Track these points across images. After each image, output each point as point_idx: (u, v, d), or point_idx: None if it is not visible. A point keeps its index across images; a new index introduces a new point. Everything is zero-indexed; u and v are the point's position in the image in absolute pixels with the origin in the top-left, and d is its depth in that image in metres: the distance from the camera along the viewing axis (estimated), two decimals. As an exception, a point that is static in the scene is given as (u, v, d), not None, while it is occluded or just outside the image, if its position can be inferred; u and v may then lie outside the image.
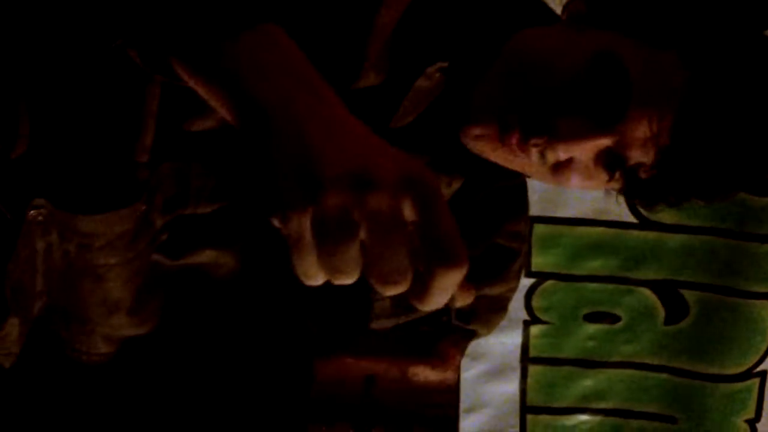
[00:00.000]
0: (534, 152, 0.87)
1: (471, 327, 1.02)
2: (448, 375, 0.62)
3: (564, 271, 1.59)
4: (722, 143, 0.87)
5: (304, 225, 0.54)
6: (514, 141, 0.87)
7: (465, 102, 0.91)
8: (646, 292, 1.59)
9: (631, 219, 1.53)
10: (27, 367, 0.82)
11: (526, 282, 1.58)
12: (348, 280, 0.55)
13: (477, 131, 0.90)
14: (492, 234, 1.02)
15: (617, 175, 0.89)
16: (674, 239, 1.56)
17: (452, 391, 0.61)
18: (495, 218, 1.02)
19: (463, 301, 0.58)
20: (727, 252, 1.55)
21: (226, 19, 0.60)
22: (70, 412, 0.86)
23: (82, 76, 0.74)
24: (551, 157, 0.87)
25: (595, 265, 1.58)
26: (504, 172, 0.95)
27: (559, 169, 0.89)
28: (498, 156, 0.91)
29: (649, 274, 1.58)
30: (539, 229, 1.55)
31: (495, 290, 1.04)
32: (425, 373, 0.62)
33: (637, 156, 0.87)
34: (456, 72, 0.92)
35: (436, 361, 0.64)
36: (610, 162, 0.88)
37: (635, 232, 1.55)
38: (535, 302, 1.61)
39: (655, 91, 0.86)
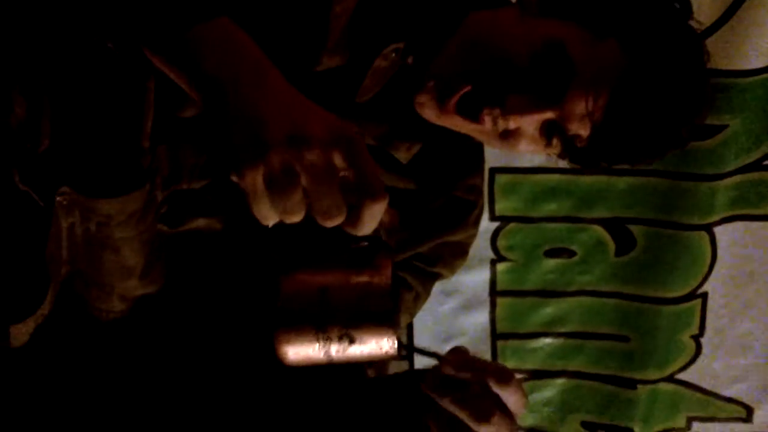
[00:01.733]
0: (487, 120, 0.94)
1: (435, 270, 1.11)
2: (383, 279, 0.70)
3: (524, 214, 1.62)
4: (647, 121, 0.94)
5: (256, 179, 0.62)
6: (451, 105, 0.93)
7: (421, 77, 0.97)
8: (598, 228, 1.63)
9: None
10: (56, 324, 0.86)
11: (491, 225, 1.62)
12: (296, 219, 0.64)
13: (421, 99, 0.97)
14: (451, 188, 1.09)
15: (556, 142, 0.96)
16: (621, 181, 1.59)
17: (388, 290, 0.70)
18: (453, 174, 1.09)
19: (389, 223, 0.68)
20: (668, 190, 1.57)
21: (184, 13, 0.68)
22: (92, 363, 0.90)
23: (90, 74, 0.78)
24: (502, 125, 0.94)
25: (551, 208, 1.62)
26: (459, 136, 1.02)
27: (508, 137, 0.96)
28: (446, 121, 0.97)
29: (600, 213, 1.62)
30: (501, 178, 1.59)
31: (456, 237, 1.10)
32: (366, 280, 0.71)
33: (575, 128, 0.94)
34: (412, 51, 0.97)
35: (373, 270, 0.72)
36: (551, 132, 0.95)
37: (586, 177, 1.59)
38: (500, 243, 1.65)
39: (594, 75, 0.91)
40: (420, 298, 1.13)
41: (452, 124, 0.97)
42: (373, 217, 0.65)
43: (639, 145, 0.96)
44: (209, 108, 0.67)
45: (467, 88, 0.92)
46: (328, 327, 0.69)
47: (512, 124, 0.94)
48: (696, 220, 1.61)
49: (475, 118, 0.94)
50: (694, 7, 1.33)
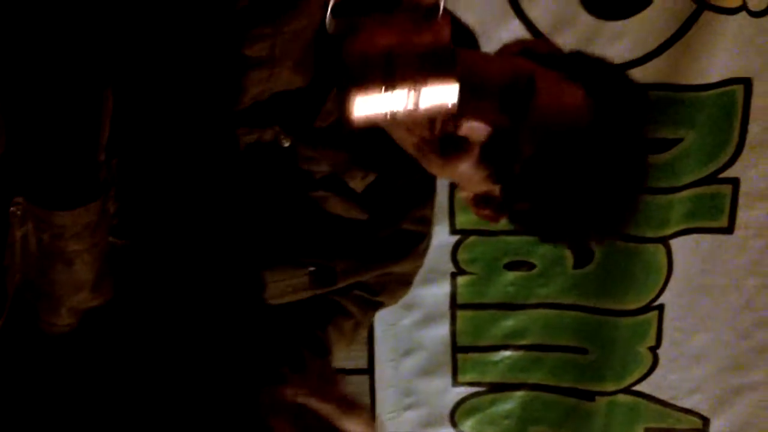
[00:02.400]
0: (438, 124, 0.91)
1: (378, 299, 1.10)
2: (444, 38, 0.76)
3: (484, 228, 1.62)
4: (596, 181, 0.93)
5: None
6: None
7: None
8: None
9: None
10: (5, 335, 0.86)
11: (451, 239, 1.64)
12: None
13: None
14: (400, 219, 1.08)
15: (493, 171, 0.93)
16: None
17: (450, 49, 0.76)
18: (404, 205, 1.08)
19: None
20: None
21: None
22: (41, 374, 0.90)
23: (45, 83, 0.78)
24: (449, 128, 0.91)
25: None
26: (413, 168, 1.01)
27: (451, 152, 0.93)
28: (400, 133, 0.95)
29: None
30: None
31: (401, 268, 1.09)
32: (429, 40, 0.75)
33: (523, 145, 0.92)
34: None
35: (434, 30, 0.76)
36: (497, 156, 0.93)
37: None
38: (461, 256, 1.66)
39: (555, 102, 0.92)
40: (360, 327, 1.12)
41: (405, 136, 0.96)
42: None
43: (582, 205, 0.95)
44: None
45: None
46: (396, 83, 0.72)
47: (463, 130, 0.92)
48: (652, 233, 1.63)
49: None
50: (649, 22, 1.45)
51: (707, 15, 1.49)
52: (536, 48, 1.02)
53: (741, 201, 1.64)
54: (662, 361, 1.76)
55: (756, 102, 1.57)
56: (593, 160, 0.91)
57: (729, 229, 1.66)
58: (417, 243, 1.10)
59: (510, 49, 1.01)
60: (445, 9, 0.75)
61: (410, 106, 0.74)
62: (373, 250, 1.06)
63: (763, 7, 1.50)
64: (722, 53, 1.52)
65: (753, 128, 1.59)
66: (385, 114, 0.75)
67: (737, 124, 1.58)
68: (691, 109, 1.55)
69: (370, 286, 1.09)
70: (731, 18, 1.49)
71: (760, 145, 1.60)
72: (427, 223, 1.12)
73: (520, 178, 0.93)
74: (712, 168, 1.61)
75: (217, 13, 0.86)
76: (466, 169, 0.95)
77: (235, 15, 0.86)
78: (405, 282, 1.12)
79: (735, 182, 1.62)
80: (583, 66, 0.97)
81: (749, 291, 1.70)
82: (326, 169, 1.00)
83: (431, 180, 1.11)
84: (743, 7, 1.49)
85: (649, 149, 1.00)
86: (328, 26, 0.75)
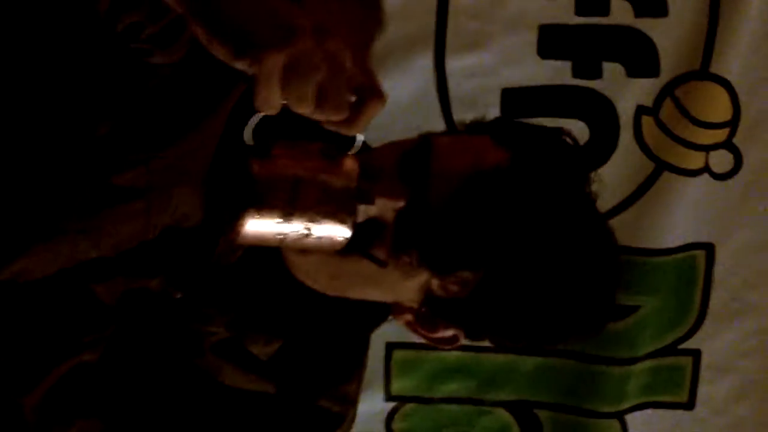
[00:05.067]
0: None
1: None
2: (350, 181, 0.76)
3: (423, 394, 1.54)
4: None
5: (278, 62, 0.63)
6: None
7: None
8: (502, 412, 1.57)
9: (487, 343, 1.50)
10: None
11: (386, 405, 1.54)
12: (305, 109, 0.66)
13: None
14: (317, 395, 0.96)
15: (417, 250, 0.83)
16: (528, 362, 1.53)
17: (354, 192, 0.77)
18: (322, 378, 0.96)
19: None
20: (578, 374, 1.52)
21: None
22: None
23: None
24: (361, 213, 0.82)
25: (452, 388, 1.54)
26: (334, 334, 0.92)
27: (356, 245, 0.82)
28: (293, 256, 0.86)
29: (505, 395, 1.55)
30: (398, 354, 1.51)
31: None
32: (335, 179, 0.76)
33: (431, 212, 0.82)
34: None
35: (342, 170, 0.76)
36: (409, 227, 0.83)
37: (491, 355, 1.52)
38: (396, 425, 1.56)
39: (455, 153, 0.85)
40: None
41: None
42: (369, 118, 0.68)
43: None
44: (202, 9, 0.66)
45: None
46: (294, 216, 0.75)
47: (366, 212, 0.83)
48: (606, 407, 1.55)
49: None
50: (605, 181, 1.32)
51: (667, 176, 1.44)
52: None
53: (702, 374, 1.55)
54: None
55: (718, 269, 1.51)
56: (523, 196, 0.83)
57: (689, 405, 1.57)
58: (334, 426, 0.97)
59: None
60: (364, 144, 0.76)
61: (302, 234, 0.77)
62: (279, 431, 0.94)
63: (726, 169, 1.45)
64: (683, 217, 1.47)
65: (715, 296, 1.52)
66: (275, 236, 0.76)
67: (698, 292, 1.52)
68: (649, 275, 1.48)
69: None
70: (692, 180, 1.44)
71: (722, 314, 1.53)
72: (349, 402, 0.99)
73: (445, 237, 0.83)
74: (671, 338, 1.53)
75: (73, 141, 0.81)
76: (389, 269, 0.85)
77: (96, 142, 0.81)
78: None
79: (696, 354, 1.55)
80: (485, 124, 0.93)
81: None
82: (222, 330, 0.89)
83: (360, 349, 1.00)
84: (706, 169, 1.45)
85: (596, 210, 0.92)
86: (246, 140, 0.75)
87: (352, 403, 0.99)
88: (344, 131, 0.69)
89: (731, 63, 1.40)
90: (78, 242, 0.83)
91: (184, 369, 0.89)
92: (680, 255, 1.48)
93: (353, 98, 0.68)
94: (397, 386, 1.55)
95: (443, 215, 0.82)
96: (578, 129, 1.39)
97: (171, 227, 0.85)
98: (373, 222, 0.83)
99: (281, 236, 0.76)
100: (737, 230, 1.49)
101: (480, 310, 0.87)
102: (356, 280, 0.88)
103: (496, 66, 1.38)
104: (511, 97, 1.39)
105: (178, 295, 0.87)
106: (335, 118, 0.67)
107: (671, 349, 1.54)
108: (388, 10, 1.25)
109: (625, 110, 1.41)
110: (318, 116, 0.67)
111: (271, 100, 0.65)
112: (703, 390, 1.56)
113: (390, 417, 1.56)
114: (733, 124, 1.43)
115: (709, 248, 1.50)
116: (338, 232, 0.77)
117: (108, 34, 0.81)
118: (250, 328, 0.91)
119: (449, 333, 0.92)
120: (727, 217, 1.48)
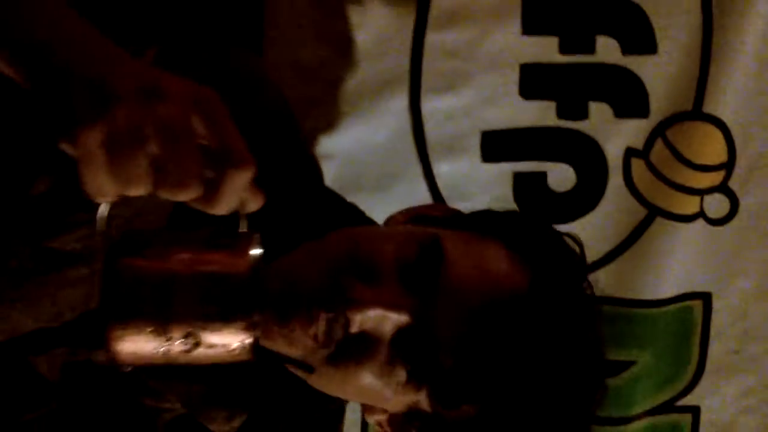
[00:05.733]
0: (321, 324, 0.76)
1: None
2: (241, 269, 0.62)
3: None
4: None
5: (94, 139, 0.54)
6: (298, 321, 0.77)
7: None
8: None
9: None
10: None
11: None
12: (140, 192, 0.56)
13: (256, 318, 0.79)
14: None
15: (414, 370, 0.77)
16: None
17: (246, 283, 0.62)
18: None
19: (254, 204, 0.62)
20: None
21: None
22: None
23: None
24: (338, 331, 0.76)
25: None
26: (305, 400, 0.86)
27: (346, 358, 0.78)
28: (277, 345, 0.79)
29: None
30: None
31: None
32: (220, 270, 0.63)
33: (443, 334, 0.76)
34: None
35: (230, 258, 0.63)
36: (414, 349, 0.77)
37: None
38: None
39: (471, 263, 0.79)
40: None
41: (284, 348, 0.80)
42: (234, 192, 0.59)
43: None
44: (37, 74, 0.58)
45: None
46: (170, 324, 0.61)
47: (358, 325, 0.76)
48: None
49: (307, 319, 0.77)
50: (595, 228, 1.38)
51: (660, 222, 1.40)
52: (430, 212, 0.89)
53: None
54: None
55: (716, 319, 1.48)
56: (543, 331, 0.78)
57: None
58: None
59: (397, 220, 0.89)
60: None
61: (189, 346, 0.63)
62: None
63: (722, 214, 1.42)
64: (677, 265, 1.43)
65: (714, 349, 1.49)
66: (155, 352, 0.62)
67: (696, 345, 1.48)
68: (643, 328, 1.44)
69: None
70: (687, 226, 1.41)
71: (722, 368, 1.50)
72: None
73: (455, 371, 0.77)
74: (668, 395, 1.49)
75: (6, 200, 0.75)
76: (375, 376, 0.78)
77: (32, 201, 0.75)
78: None
79: (695, 411, 1.51)
80: (497, 222, 0.85)
81: None
82: (177, 407, 0.83)
83: (333, 423, 0.95)
84: (700, 214, 1.41)
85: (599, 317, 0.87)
86: (98, 231, 0.65)
87: None
88: (208, 210, 0.59)
89: (725, 102, 1.37)
90: (12, 312, 0.77)
91: None
92: (676, 306, 1.45)
93: (210, 170, 0.59)
94: (375, 450, 1.47)
95: (458, 350, 0.76)
96: (564, 173, 1.36)
97: None
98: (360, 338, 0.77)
99: (164, 350, 0.63)
100: (736, 278, 1.46)
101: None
102: (334, 380, 0.81)
103: (475, 107, 1.33)
104: (492, 140, 1.35)
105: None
106: (184, 196, 0.57)
107: (668, 407, 1.50)
108: (361, 48, 1.28)
109: (614, 153, 1.38)
110: (166, 196, 0.58)
111: (99, 186, 0.56)
112: (703, 449, 1.52)
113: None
114: (728, 166, 1.40)
115: (706, 298, 1.46)
116: (233, 338, 0.64)
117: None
118: (209, 403, 0.85)
119: None
120: (724, 264, 1.45)
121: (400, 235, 0.81)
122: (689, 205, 1.40)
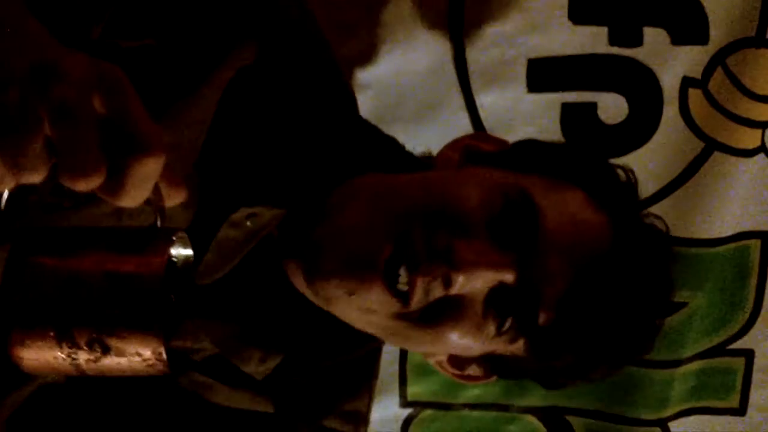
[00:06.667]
0: (419, 289, 0.77)
1: None
2: (154, 270, 0.58)
3: (442, 400, 1.49)
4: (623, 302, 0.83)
5: None
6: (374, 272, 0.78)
7: (291, 252, 0.82)
8: (531, 419, 1.51)
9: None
10: None
11: (402, 412, 1.49)
12: (35, 179, 0.53)
13: (337, 282, 0.79)
14: (323, 413, 0.92)
15: (507, 325, 0.80)
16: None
17: (158, 285, 0.57)
18: (328, 394, 0.92)
19: (172, 198, 0.58)
20: (616, 378, 1.37)
21: None
22: None
23: None
24: (437, 292, 0.77)
25: (475, 393, 1.48)
26: (342, 345, 0.87)
27: (438, 321, 0.79)
28: (351, 308, 0.80)
29: (534, 401, 1.49)
30: (414, 356, 1.44)
31: None
32: (131, 270, 0.59)
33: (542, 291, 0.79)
34: (281, 223, 0.82)
35: (141, 258, 0.59)
36: (504, 305, 0.79)
37: None
38: None
39: (565, 227, 0.81)
40: None
41: (359, 312, 0.81)
42: (141, 182, 0.54)
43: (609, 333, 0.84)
44: None
45: (388, 249, 0.78)
46: (74, 330, 0.58)
47: (459, 287, 0.77)
48: (648, 414, 1.49)
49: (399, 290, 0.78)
50: (648, 162, 1.35)
51: (718, 156, 1.36)
52: (483, 146, 0.92)
53: (755, 377, 1.50)
54: None
55: None
56: (632, 280, 0.83)
57: (740, 411, 1.52)
58: None
59: (450, 158, 0.88)
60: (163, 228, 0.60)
61: (96, 354, 0.59)
62: None
63: None
64: (735, 202, 1.39)
65: None
66: (61, 362, 0.59)
67: (752, 287, 1.45)
68: (697, 268, 1.42)
69: None
70: (747, 161, 1.36)
71: None
72: (359, 421, 0.95)
73: (553, 327, 0.81)
74: (721, 337, 1.47)
75: None
76: (466, 332, 0.81)
77: None
78: None
79: (748, 355, 1.48)
80: (562, 161, 0.87)
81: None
82: (209, 347, 0.84)
83: (370, 359, 0.96)
84: (761, 149, 1.37)
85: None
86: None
87: (363, 420, 0.96)
88: (115, 202, 0.56)
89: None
90: None
91: (162, 389, 0.83)
92: (732, 245, 1.42)
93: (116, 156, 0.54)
94: (413, 391, 1.49)
95: (560, 305, 0.79)
96: (616, 104, 1.34)
97: None
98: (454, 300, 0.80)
99: (70, 358, 0.60)
100: (796, 217, 1.43)
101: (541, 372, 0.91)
102: (424, 340, 0.84)
103: (521, 33, 1.30)
104: (539, 68, 1.32)
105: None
106: (84, 185, 0.53)
107: (721, 350, 1.48)
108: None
109: (670, 82, 1.34)
110: (66, 184, 0.54)
111: None
112: (755, 394, 1.51)
113: (406, 424, 1.51)
114: (793, 97, 1.37)
115: (764, 237, 1.43)
116: (143, 347, 0.60)
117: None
118: (243, 342, 0.85)
119: (478, 372, 0.92)
120: (785, 202, 1.42)
121: (481, 185, 0.82)
122: (750, 138, 1.36)
